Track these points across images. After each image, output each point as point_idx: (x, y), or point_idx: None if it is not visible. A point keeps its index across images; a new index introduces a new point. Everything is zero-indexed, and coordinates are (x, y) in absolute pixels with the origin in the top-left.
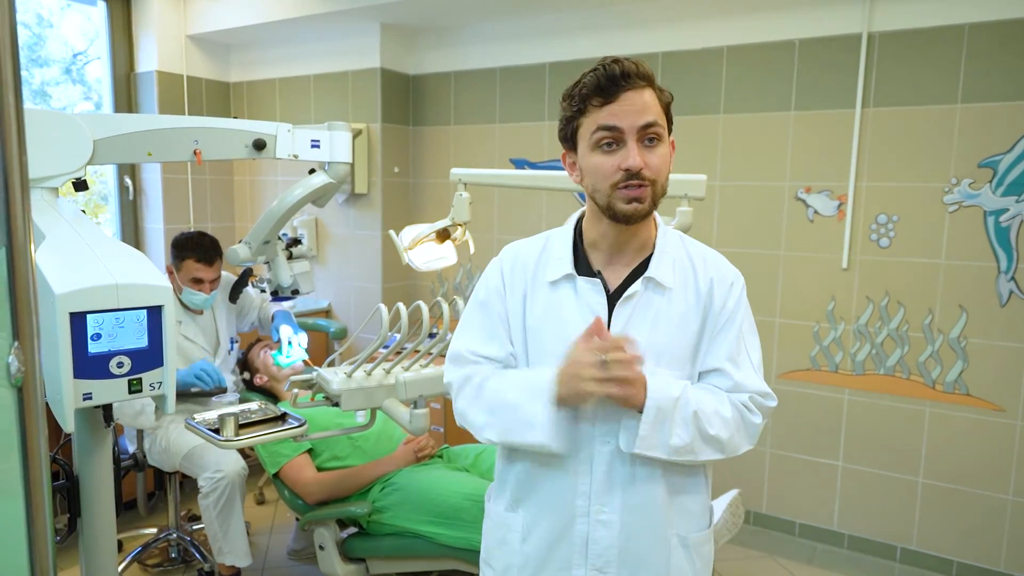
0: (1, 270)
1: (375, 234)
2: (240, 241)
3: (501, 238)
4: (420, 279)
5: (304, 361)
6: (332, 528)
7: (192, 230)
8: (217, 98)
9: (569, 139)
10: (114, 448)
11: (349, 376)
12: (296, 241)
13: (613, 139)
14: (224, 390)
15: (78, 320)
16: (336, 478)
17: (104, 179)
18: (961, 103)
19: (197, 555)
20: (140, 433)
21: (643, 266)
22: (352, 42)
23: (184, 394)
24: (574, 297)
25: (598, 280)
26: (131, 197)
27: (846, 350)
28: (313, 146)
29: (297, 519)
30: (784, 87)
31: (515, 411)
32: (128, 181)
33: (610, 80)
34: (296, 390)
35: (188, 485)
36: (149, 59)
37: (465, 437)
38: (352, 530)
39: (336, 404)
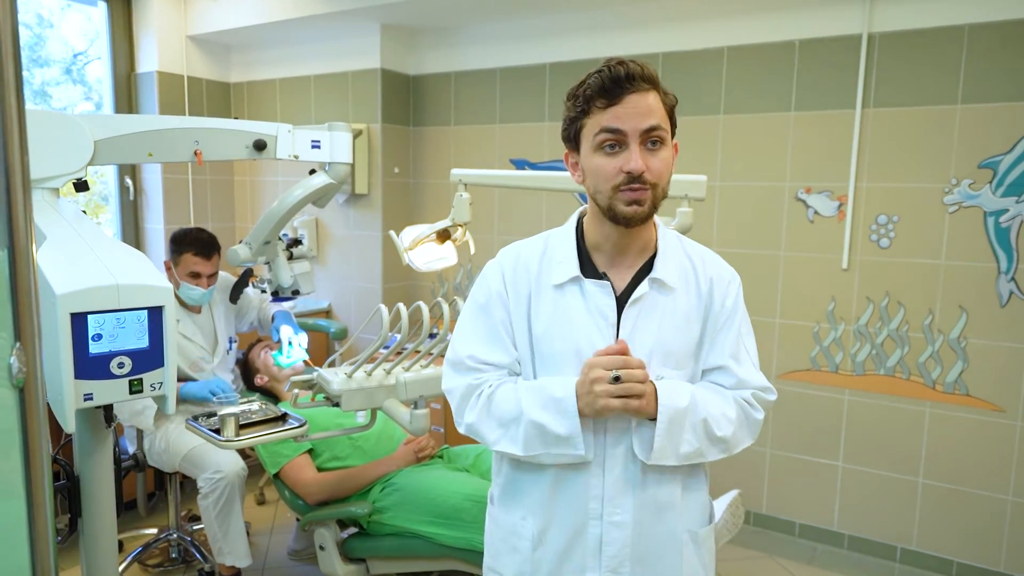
0: (3, 271)
1: (375, 234)
2: (240, 242)
3: (501, 239)
4: (420, 279)
5: (304, 361)
6: (332, 528)
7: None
8: (217, 98)
9: (572, 139)
10: (115, 448)
11: (349, 376)
12: (296, 242)
13: (616, 141)
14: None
15: (79, 320)
16: (336, 478)
17: (105, 179)
18: (961, 103)
19: (197, 555)
20: (140, 433)
21: (646, 267)
22: (352, 42)
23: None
24: (582, 300)
25: (607, 282)
26: (132, 197)
27: (846, 350)
28: (313, 147)
29: (297, 519)
30: (784, 87)
31: (541, 428)
32: (129, 182)
33: (614, 82)
34: (296, 390)
35: (188, 485)
36: (150, 59)
37: (466, 438)
38: (352, 530)
39: (336, 404)
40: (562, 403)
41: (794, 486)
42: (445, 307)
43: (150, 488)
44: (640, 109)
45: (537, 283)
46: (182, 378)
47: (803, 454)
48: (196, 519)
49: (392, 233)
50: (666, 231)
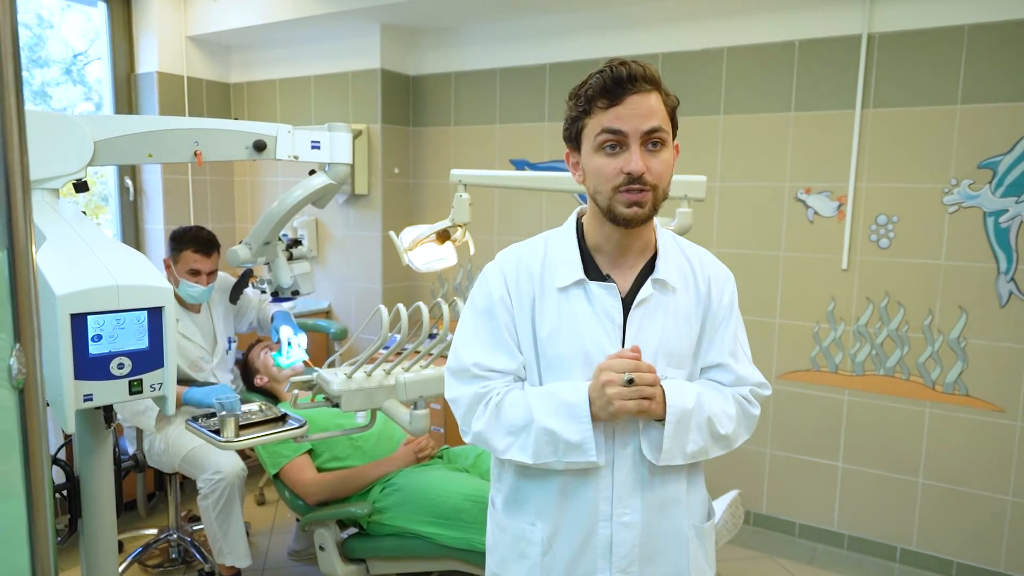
0: (2, 272)
1: (375, 235)
2: (240, 242)
3: (501, 239)
4: (420, 280)
5: (304, 362)
6: (332, 529)
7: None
8: (217, 99)
9: (573, 139)
10: (114, 449)
11: (349, 377)
12: (296, 242)
13: (616, 142)
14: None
15: (79, 321)
16: (336, 479)
17: (104, 180)
18: (961, 104)
19: (197, 556)
20: (140, 434)
21: (647, 267)
22: (352, 43)
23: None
24: (587, 303)
25: (613, 284)
26: (131, 198)
27: (846, 351)
28: (313, 147)
29: (297, 520)
30: (784, 87)
31: (552, 435)
32: (128, 182)
33: (616, 83)
34: (296, 391)
35: (188, 486)
36: (149, 60)
37: None
38: (352, 531)
39: (336, 405)
40: (575, 408)
41: (794, 486)
42: (445, 307)
43: (150, 488)
44: (641, 110)
45: (540, 286)
46: (184, 380)
47: (803, 454)
48: (196, 519)
49: (392, 233)
50: (663, 231)
